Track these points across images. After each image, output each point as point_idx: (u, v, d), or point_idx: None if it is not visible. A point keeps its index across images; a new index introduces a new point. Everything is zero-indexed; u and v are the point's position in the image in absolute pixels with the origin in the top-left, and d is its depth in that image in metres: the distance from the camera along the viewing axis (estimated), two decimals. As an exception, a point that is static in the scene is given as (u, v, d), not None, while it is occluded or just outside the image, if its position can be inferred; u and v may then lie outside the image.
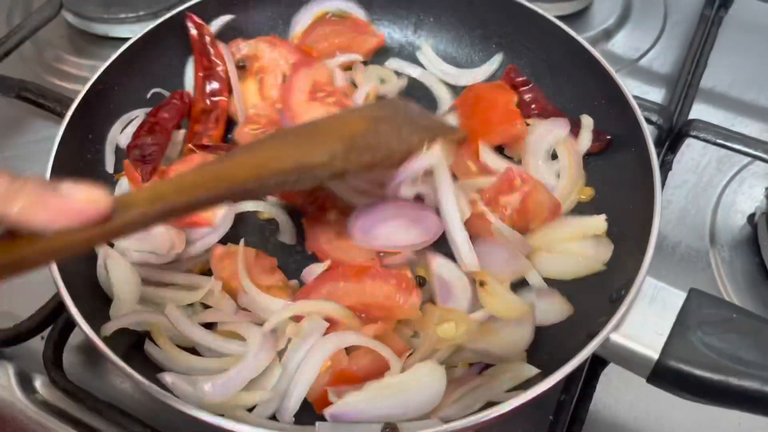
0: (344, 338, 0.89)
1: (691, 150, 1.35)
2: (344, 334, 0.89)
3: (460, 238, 0.97)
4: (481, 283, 0.93)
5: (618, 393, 1.04)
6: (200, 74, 1.16)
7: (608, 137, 1.09)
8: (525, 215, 1.01)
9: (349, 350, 0.89)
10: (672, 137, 1.22)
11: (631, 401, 1.04)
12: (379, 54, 1.28)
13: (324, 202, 1.04)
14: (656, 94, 1.43)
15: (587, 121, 1.10)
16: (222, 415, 0.77)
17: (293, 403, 0.86)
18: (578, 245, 1.00)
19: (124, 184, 1.07)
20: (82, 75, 1.48)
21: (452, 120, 1.16)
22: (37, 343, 1.04)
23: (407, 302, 0.91)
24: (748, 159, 1.31)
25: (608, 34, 1.56)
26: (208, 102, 1.14)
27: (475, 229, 1.00)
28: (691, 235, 1.23)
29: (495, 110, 1.13)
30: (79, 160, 1.05)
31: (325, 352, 0.87)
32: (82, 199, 0.57)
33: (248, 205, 1.06)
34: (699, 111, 1.36)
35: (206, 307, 0.97)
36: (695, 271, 1.18)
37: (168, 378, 0.84)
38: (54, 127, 1.34)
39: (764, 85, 1.46)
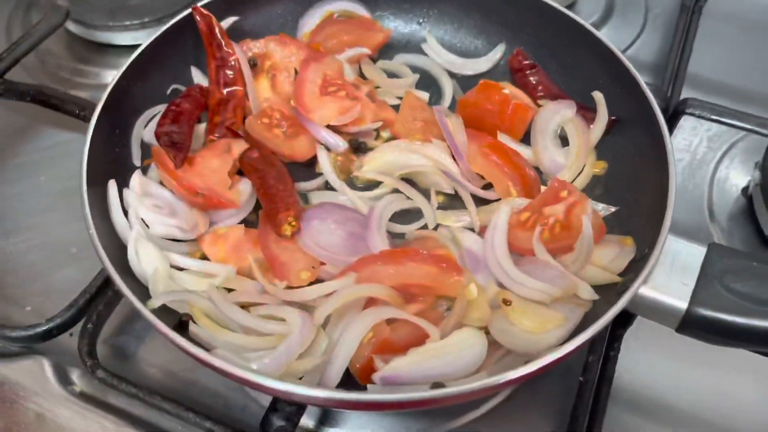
0: (383, 312, 0.91)
1: (682, 131, 1.42)
2: (383, 308, 0.92)
3: (506, 264, 0.97)
4: (506, 302, 0.93)
5: (638, 355, 1.09)
6: (213, 65, 1.18)
7: (613, 118, 1.14)
8: (569, 230, 0.98)
9: (389, 321, 0.92)
10: (668, 116, 1.28)
11: (650, 363, 1.09)
12: (386, 49, 1.32)
13: (279, 201, 1.04)
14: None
15: (599, 97, 1.15)
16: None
17: (335, 373, 0.88)
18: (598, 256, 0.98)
19: (153, 171, 1.09)
20: (87, 83, 1.50)
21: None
22: (67, 340, 1.06)
23: (453, 281, 0.93)
24: (738, 136, 1.39)
25: (594, 28, 1.63)
26: (224, 92, 1.17)
27: (516, 243, 1.00)
28: (691, 211, 1.30)
29: (500, 116, 1.16)
30: (108, 155, 1.06)
31: (366, 325, 0.89)
32: None
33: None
34: (687, 93, 1.43)
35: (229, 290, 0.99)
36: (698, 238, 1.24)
37: (220, 353, 0.86)
38: (66, 132, 1.38)
39: (745, 71, 1.55)
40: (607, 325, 0.83)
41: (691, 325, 0.85)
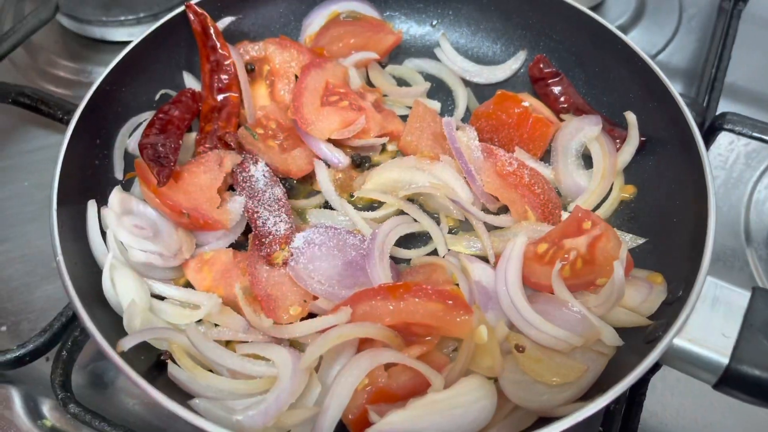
0: (380, 355, 0.81)
1: (717, 146, 1.30)
2: (380, 350, 0.82)
3: (520, 302, 0.87)
4: (518, 348, 0.83)
5: (664, 399, 0.99)
6: (207, 68, 1.09)
7: (642, 138, 1.03)
8: (591, 266, 0.88)
9: (387, 366, 0.82)
10: (704, 131, 1.17)
11: (678, 408, 0.99)
12: (396, 54, 1.22)
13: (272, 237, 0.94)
14: (676, 89, 1.38)
15: (631, 118, 1.04)
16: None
17: (328, 426, 0.78)
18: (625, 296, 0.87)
19: (136, 187, 1.00)
20: (79, 80, 1.41)
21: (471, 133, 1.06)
22: (42, 366, 0.97)
23: (462, 320, 0.82)
24: (778, 153, 1.27)
25: (623, 30, 1.51)
26: (218, 98, 1.07)
27: (532, 278, 0.90)
28: (726, 233, 1.19)
29: (518, 131, 1.06)
30: (87, 167, 0.98)
31: (361, 371, 0.79)
32: None
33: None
34: (724, 105, 1.32)
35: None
36: (733, 271, 1.13)
37: (200, 404, 0.77)
38: (53, 135, 1.29)
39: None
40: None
41: (731, 383, 0.75)
